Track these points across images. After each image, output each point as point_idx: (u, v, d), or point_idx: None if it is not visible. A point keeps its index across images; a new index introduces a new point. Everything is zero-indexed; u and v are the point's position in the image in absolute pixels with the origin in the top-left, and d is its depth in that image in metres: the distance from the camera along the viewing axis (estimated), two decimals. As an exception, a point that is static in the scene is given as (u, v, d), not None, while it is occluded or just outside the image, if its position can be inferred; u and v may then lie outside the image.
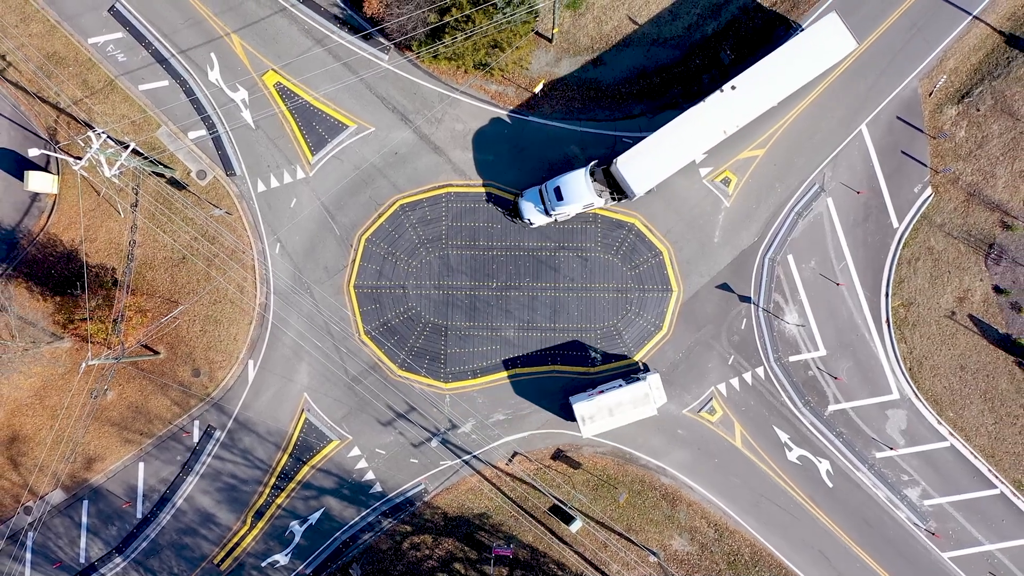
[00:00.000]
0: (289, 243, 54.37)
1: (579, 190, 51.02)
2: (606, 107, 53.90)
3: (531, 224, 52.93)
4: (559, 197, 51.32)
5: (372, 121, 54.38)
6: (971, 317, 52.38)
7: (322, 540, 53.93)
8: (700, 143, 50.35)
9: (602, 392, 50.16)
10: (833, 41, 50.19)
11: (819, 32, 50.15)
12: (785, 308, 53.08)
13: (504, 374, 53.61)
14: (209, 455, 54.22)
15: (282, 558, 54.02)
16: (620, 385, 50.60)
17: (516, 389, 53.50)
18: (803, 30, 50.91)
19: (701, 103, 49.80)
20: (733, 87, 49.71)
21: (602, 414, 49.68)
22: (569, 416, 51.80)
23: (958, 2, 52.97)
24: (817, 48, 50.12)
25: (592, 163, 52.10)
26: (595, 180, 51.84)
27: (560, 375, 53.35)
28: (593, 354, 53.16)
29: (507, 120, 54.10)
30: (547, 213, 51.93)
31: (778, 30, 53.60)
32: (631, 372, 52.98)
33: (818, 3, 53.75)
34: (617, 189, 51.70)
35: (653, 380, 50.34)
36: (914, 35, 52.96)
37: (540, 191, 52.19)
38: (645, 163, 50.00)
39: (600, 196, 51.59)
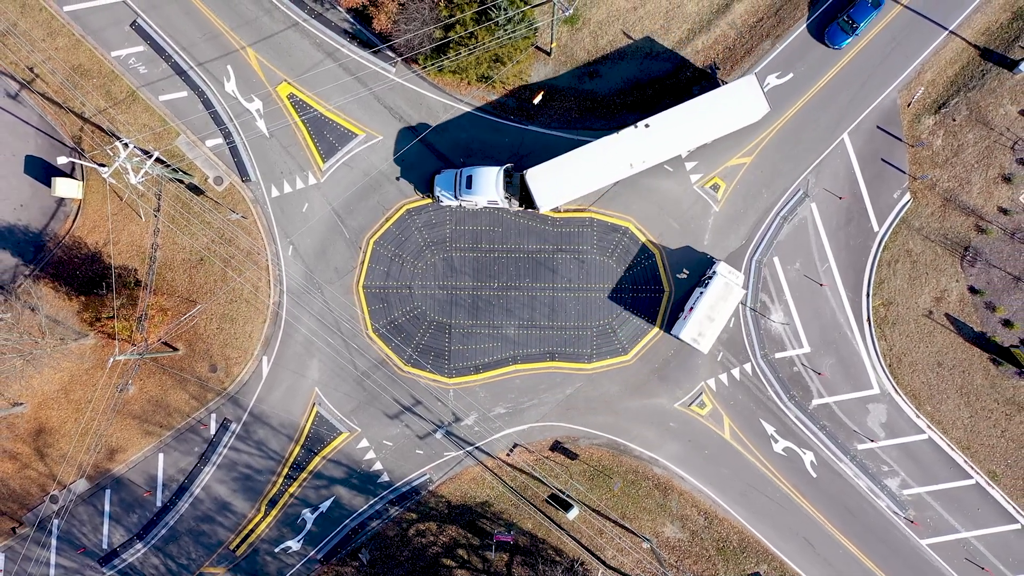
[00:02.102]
0: (301, 245, 56.73)
1: (487, 186, 52.76)
2: (602, 117, 55.97)
3: (440, 201, 54.82)
4: (468, 185, 53.22)
5: (380, 130, 56.59)
6: (948, 316, 54.42)
7: (332, 527, 56.20)
8: (608, 172, 51.91)
9: (692, 309, 51.99)
10: (748, 102, 51.32)
11: (735, 91, 51.37)
12: (771, 307, 55.27)
13: (505, 370, 55.89)
14: (225, 446, 56.52)
15: (294, 544, 56.27)
16: (701, 293, 52.34)
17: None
18: (724, 85, 52.33)
19: (615, 134, 51.33)
20: (647, 125, 51.16)
21: (705, 325, 51.64)
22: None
23: (935, 17, 55.12)
24: (731, 106, 51.24)
25: (509, 165, 53.98)
26: (511, 182, 53.50)
27: (557, 371, 55.67)
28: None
29: (508, 129, 56.21)
30: (456, 196, 53.93)
31: (763, 43, 56.08)
32: (701, 279, 54.56)
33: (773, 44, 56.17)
34: (528, 198, 53.38)
35: (722, 268, 52.47)
36: (893, 49, 55.09)
37: (455, 175, 54.01)
38: (553, 180, 51.68)
39: (506, 200, 53.36)
